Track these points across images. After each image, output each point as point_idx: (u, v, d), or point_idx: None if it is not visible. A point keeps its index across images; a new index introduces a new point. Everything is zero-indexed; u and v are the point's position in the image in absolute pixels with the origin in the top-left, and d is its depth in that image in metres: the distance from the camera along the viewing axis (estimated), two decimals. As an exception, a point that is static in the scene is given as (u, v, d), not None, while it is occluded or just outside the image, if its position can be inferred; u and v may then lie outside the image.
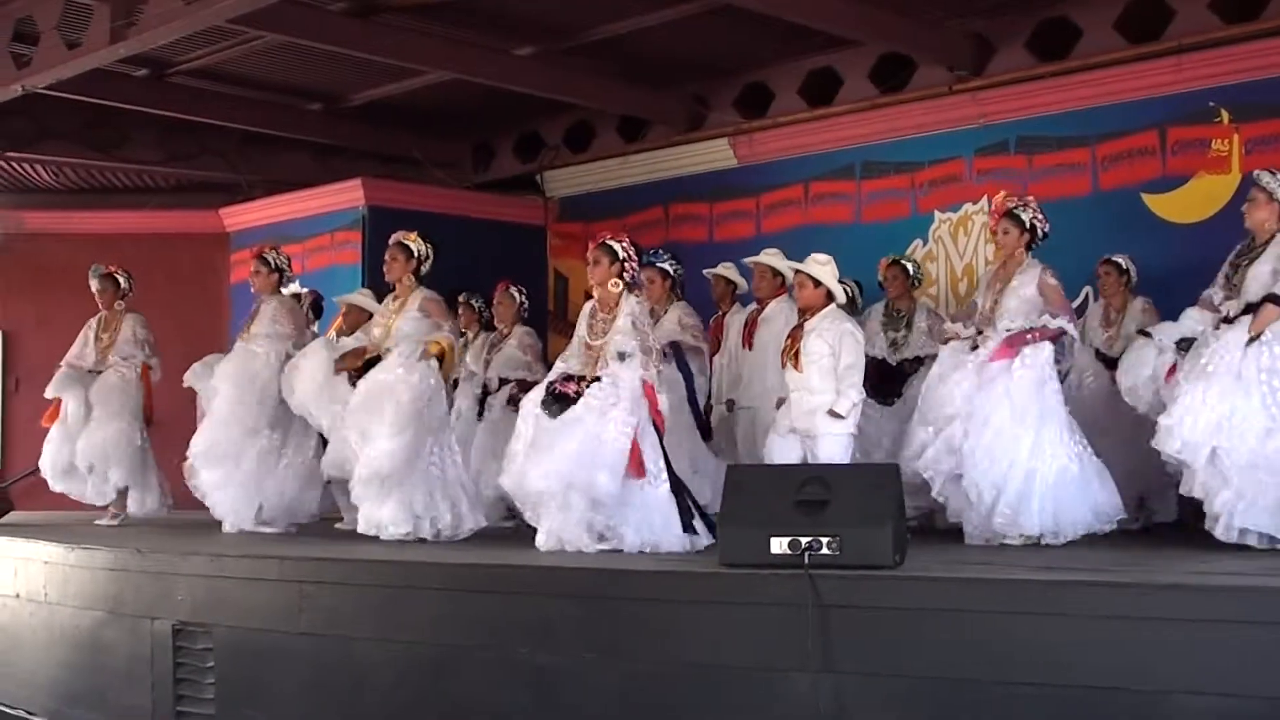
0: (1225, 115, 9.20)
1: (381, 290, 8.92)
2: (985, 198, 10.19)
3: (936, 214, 10.66)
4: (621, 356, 7.10)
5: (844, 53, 11.01)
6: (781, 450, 7.40)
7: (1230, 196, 8.98)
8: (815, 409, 7.35)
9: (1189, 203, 9.07)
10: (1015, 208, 7.53)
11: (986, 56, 10.37)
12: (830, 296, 7.48)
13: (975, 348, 7.39)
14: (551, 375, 7.31)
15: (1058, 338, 7.34)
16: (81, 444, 9.57)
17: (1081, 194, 9.82)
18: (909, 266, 9.45)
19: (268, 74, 11.71)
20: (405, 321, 8.13)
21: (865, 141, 11.07)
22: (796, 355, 7.44)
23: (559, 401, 7.05)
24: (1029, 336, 7.26)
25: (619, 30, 10.63)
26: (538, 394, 7.19)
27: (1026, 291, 7.36)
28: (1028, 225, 7.50)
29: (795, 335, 7.54)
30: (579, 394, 7.03)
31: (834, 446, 7.34)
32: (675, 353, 8.55)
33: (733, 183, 11.92)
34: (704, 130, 12.11)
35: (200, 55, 11.13)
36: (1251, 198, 6.89)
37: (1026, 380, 7.22)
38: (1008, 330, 7.33)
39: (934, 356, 8.78)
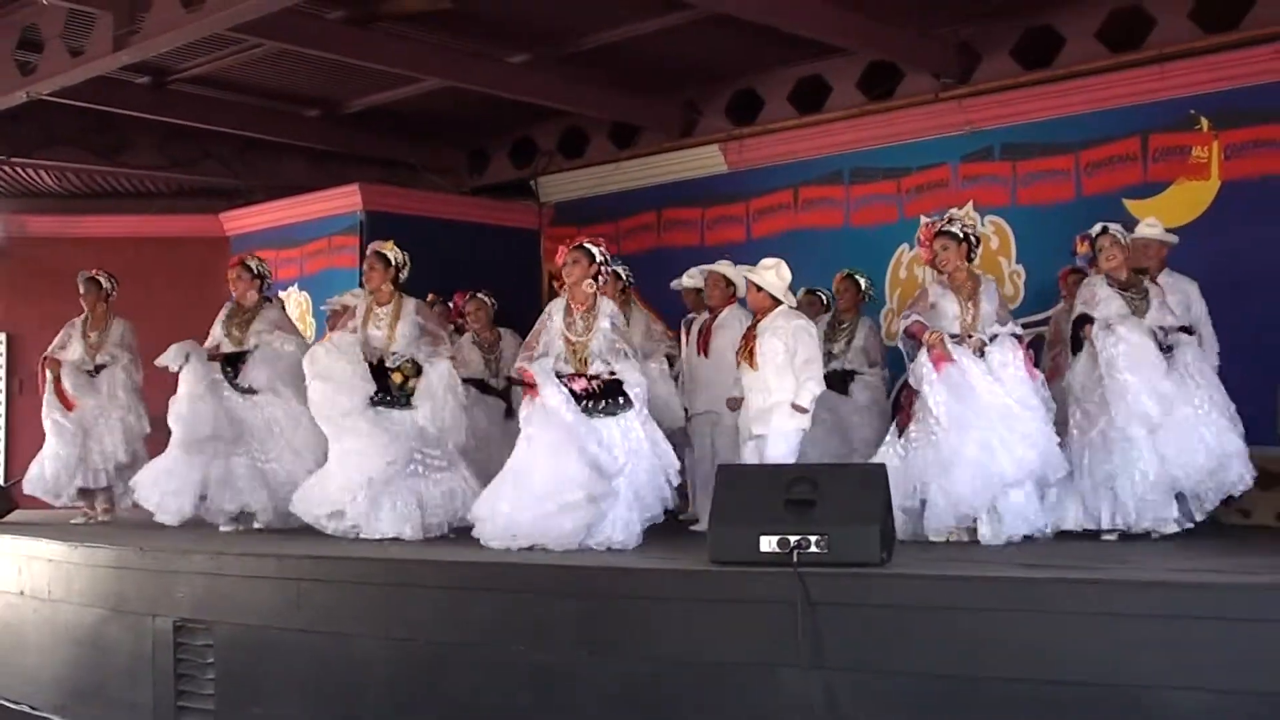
0: (1205, 122, 9.32)
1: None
2: (971, 203, 10.33)
3: (923, 219, 10.56)
4: (622, 355, 7.35)
5: (833, 61, 11.11)
6: (749, 458, 7.61)
7: (1210, 202, 9.20)
8: (771, 407, 7.53)
9: (1170, 208, 9.14)
10: (944, 227, 7.61)
11: (972, 65, 10.47)
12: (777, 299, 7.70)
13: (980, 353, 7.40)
14: (544, 373, 7.33)
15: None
16: None
17: (1065, 200, 9.93)
18: (861, 281, 9.59)
19: (267, 81, 11.80)
20: (408, 327, 8.32)
21: (853, 148, 11.16)
22: (751, 354, 7.63)
23: (605, 397, 7.26)
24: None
25: (612, 38, 10.73)
26: (562, 401, 7.26)
27: (991, 305, 7.51)
28: (963, 236, 7.58)
29: (749, 336, 7.74)
30: (591, 391, 7.24)
31: (780, 445, 7.50)
32: None
33: (724, 188, 12.01)
34: (695, 136, 12.20)
35: (201, 62, 11.23)
36: (1114, 241, 7.67)
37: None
38: (993, 335, 7.42)
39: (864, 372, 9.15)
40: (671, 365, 8.93)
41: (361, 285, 10.73)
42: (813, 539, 5.38)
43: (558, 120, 12.92)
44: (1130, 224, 8.19)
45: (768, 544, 5.43)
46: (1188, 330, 7.66)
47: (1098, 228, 7.78)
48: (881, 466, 6.18)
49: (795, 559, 5.32)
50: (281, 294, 11.73)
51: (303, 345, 9.08)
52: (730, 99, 11.97)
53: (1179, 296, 8.07)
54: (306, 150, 13.46)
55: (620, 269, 9.18)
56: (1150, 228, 8.27)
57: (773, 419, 7.54)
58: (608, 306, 7.50)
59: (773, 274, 7.75)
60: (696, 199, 12.22)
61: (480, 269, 10.67)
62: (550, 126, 13.10)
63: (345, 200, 12.75)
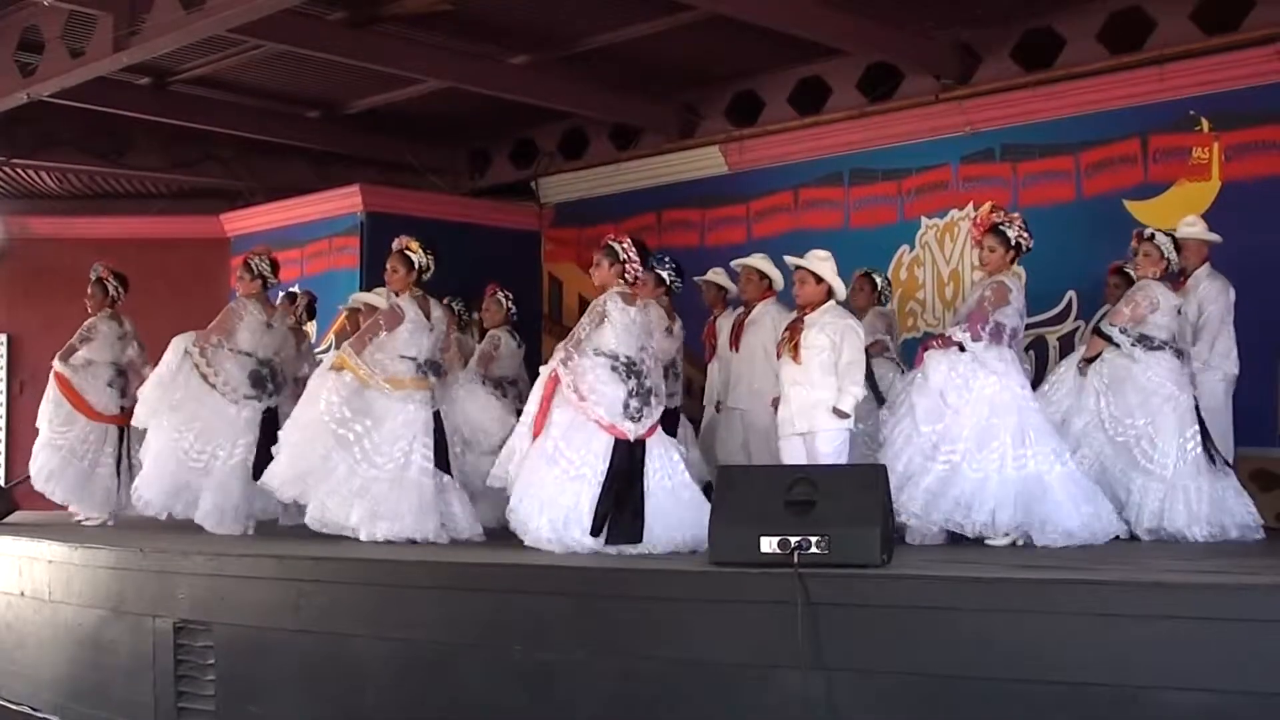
0: (1205, 123, 9.34)
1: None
2: (971, 204, 10.30)
3: (923, 220, 10.76)
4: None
5: (833, 62, 11.15)
6: (790, 454, 7.43)
7: (1210, 203, 9.20)
8: (816, 404, 7.34)
9: (1170, 209, 9.14)
10: (1001, 224, 7.40)
11: (972, 66, 10.50)
12: (830, 292, 7.50)
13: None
14: None
15: (961, 349, 7.22)
16: None
17: (1065, 201, 9.95)
18: (877, 279, 9.49)
19: (267, 82, 11.85)
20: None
21: (853, 149, 11.17)
22: (795, 347, 7.41)
23: None
24: (933, 344, 7.35)
25: (612, 40, 10.76)
26: None
27: (974, 298, 7.43)
28: (1013, 243, 7.41)
29: (795, 328, 7.51)
30: None
31: (832, 443, 7.34)
32: None
33: (724, 189, 12.03)
34: (696, 138, 12.25)
35: (201, 64, 11.29)
36: (1146, 252, 7.74)
37: (928, 386, 7.26)
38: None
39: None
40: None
41: (362, 289, 10.92)
42: (813, 540, 5.37)
43: (558, 121, 12.96)
44: (1131, 226, 8.24)
45: (768, 545, 5.42)
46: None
47: (1149, 231, 7.85)
48: (881, 467, 6.15)
49: (796, 560, 5.30)
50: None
51: (175, 358, 8.93)
52: (730, 100, 12.02)
53: (1194, 298, 8.17)
54: (307, 151, 13.51)
55: (664, 272, 8.98)
56: (1190, 226, 8.29)
57: (817, 417, 7.37)
58: (594, 303, 7.35)
59: (830, 265, 7.51)
60: (697, 200, 12.24)
61: (481, 270, 10.64)
62: (551, 128, 13.14)
63: (346, 201, 12.77)
